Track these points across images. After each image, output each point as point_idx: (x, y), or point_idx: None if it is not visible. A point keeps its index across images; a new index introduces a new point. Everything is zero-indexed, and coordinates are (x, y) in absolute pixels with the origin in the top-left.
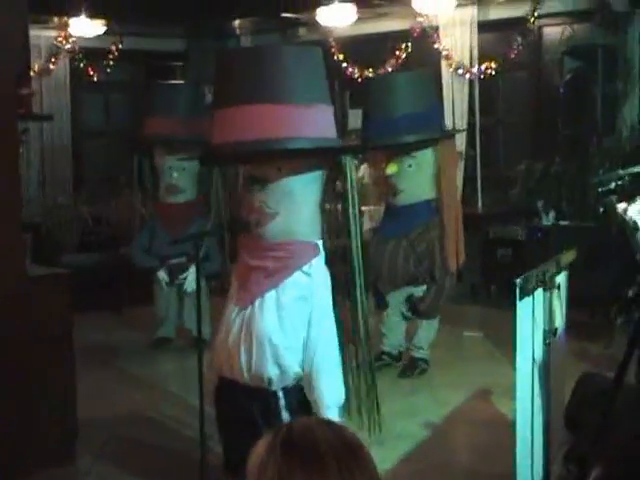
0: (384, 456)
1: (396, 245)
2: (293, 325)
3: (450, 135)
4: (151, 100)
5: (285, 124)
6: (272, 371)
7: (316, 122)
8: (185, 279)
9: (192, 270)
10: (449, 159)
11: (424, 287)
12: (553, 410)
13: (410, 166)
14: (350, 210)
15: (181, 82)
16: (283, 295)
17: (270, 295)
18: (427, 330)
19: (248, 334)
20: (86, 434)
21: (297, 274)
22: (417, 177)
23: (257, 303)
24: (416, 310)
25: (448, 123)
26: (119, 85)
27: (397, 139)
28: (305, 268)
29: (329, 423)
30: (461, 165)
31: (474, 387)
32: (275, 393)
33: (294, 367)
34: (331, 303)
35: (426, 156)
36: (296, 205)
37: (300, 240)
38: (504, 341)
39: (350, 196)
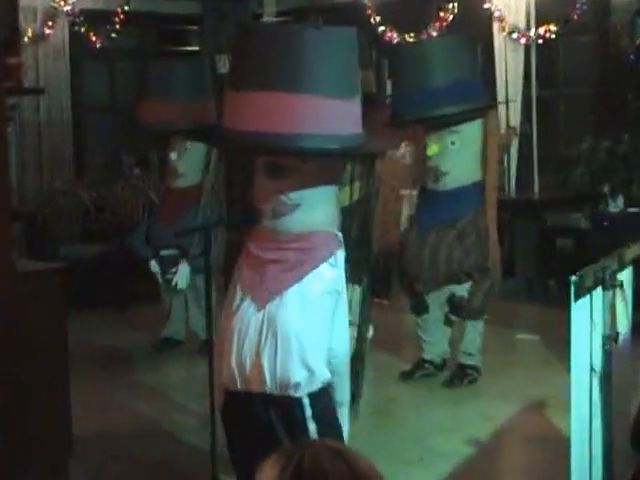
0: (422, 476)
1: (439, 237)
2: (320, 322)
3: (494, 105)
4: (146, 78)
5: (315, 118)
6: (300, 374)
7: (348, 117)
8: (175, 274)
9: (183, 265)
10: (494, 134)
11: (467, 284)
12: (616, 427)
13: (453, 143)
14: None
15: (182, 59)
16: (308, 289)
17: (293, 290)
18: (473, 333)
19: (270, 335)
20: (82, 452)
21: (323, 266)
22: (462, 156)
23: (278, 300)
24: (460, 311)
25: (500, 96)
26: (126, 52)
27: (436, 111)
28: (331, 260)
29: (343, 453)
30: (515, 143)
31: (526, 399)
32: (300, 401)
33: (322, 368)
34: None
35: (472, 130)
36: (317, 195)
37: (322, 230)
38: (563, 346)
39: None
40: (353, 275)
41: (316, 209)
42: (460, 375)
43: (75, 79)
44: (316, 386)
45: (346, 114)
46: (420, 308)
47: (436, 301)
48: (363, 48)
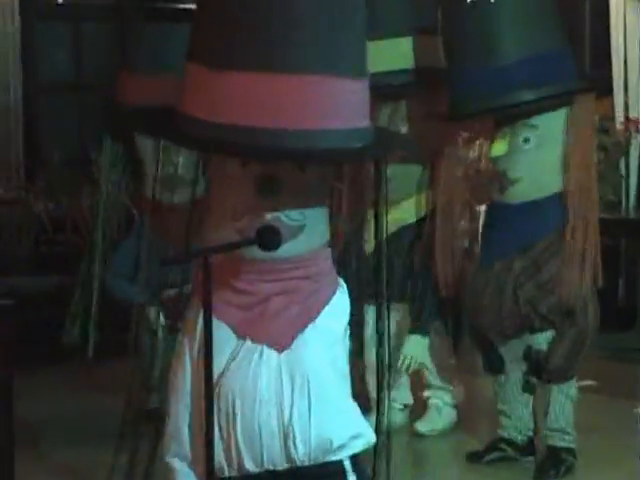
0: None
1: (505, 268)
2: (342, 357)
3: (589, 88)
4: (130, 45)
5: (335, 106)
6: (343, 432)
7: (363, 103)
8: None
9: None
10: (586, 128)
11: (547, 333)
12: None
13: (527, 141)
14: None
15: (178, 18)
16: (331, 323)
17: (315, 326)
18: (562, 401)
19: (298, 388)
20: None
21: (338, 293)
22: (539, 158)
23: (297, 341)
24: (541, 370)
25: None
26: (97, 9)
27: (505, 98)
28: (341, 283)
29: None
30: (637, 141)
31: None
32: (342, 466)
33: (358, 415)
34: None
35: (553, 124)
36: (318, 209)
37: (323, 249)
38: None
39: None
40: (416, 321)
41: (319, 226)
42: (553, 462)
43: (27, 47)
44: (362, 444)
45: (362, 100)
46: (493, 365)
47: (511, 357)
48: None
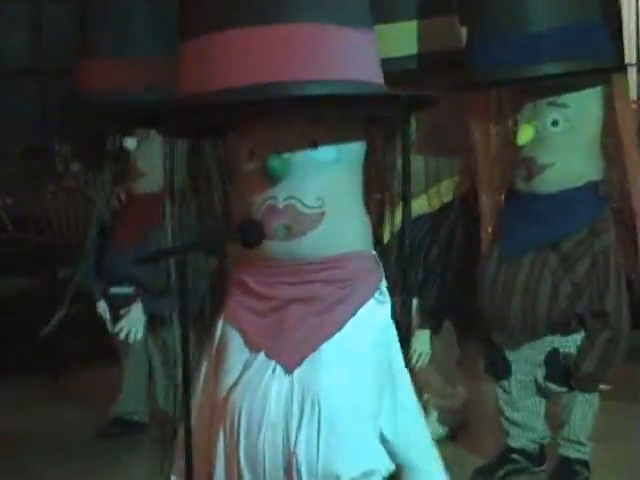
0: None
1: (533, 264)
2: (372, 386)
3: (627, 66)
4: (91, 24)
5: (327, 56)
6: (354, 467)
7: (369, 55)
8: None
9: (136, 308)
10: (625, 109)
11: (577, 336)
12: None
13: (556, 123)
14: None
15: None
16: (354, 340)
17: (334, 342)
18: (586, 412)
19: (307, 412)
20: None
21: (370, 304)
22: (570, 142)
23: (312, 358)
24: (567, 377)
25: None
26: None
27: (533, 69)
28: (378, 295)
29: None
30: None
31: None
32: None
33: (382, 454)
34: None
35: (586, 104)
36: (345, 196)
37: (359, 251)
38: None
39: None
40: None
41: (345, 217)
42: (566, 474)
43: None
44: None
45: (370, 54)
46: (499, 369)
47: (526, 360)
48: None
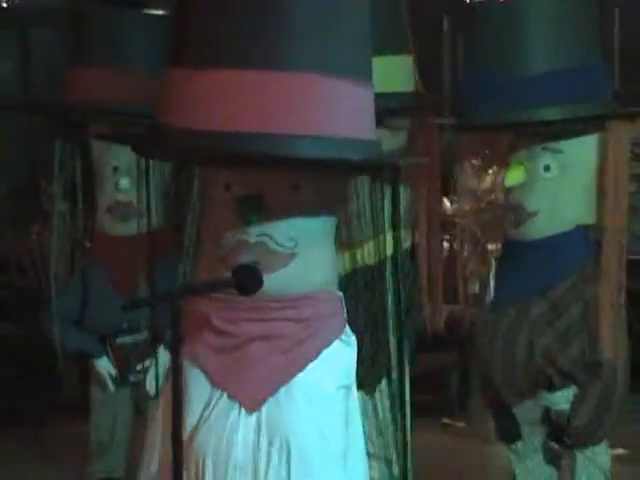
0: None
1: (518, 315)
2: (339, 424)
3: (627, 114)
4: (82, 37)
5: (323, 110)
6: None
7: (367, 111)
8: (144, 373)
9: (162, 356)
10: (620, 156)
11: (568, 391)
12: None
13: (548, 169)
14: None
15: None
16: (318, 380)
17: (298, 381)
18: (591, 472)
19: (275, 452)
20: None
21: (335, 345)
22: (562, 188)
23: (277, 397)
24: (562, 435)
25: None
26: (46, 13)
27: (525, 115)
28: (344, 336)
29: None
30: None
31: None
32: None
33: None
34: None
35: (581, 150)
36: (317, 239)
37: (325, 290)
38: None
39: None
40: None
41: (316, 259)
42: None
43: None
44: None
45: (365, 108)
46: (508, 431)
47: (530, 419)
48: (396, 18)
